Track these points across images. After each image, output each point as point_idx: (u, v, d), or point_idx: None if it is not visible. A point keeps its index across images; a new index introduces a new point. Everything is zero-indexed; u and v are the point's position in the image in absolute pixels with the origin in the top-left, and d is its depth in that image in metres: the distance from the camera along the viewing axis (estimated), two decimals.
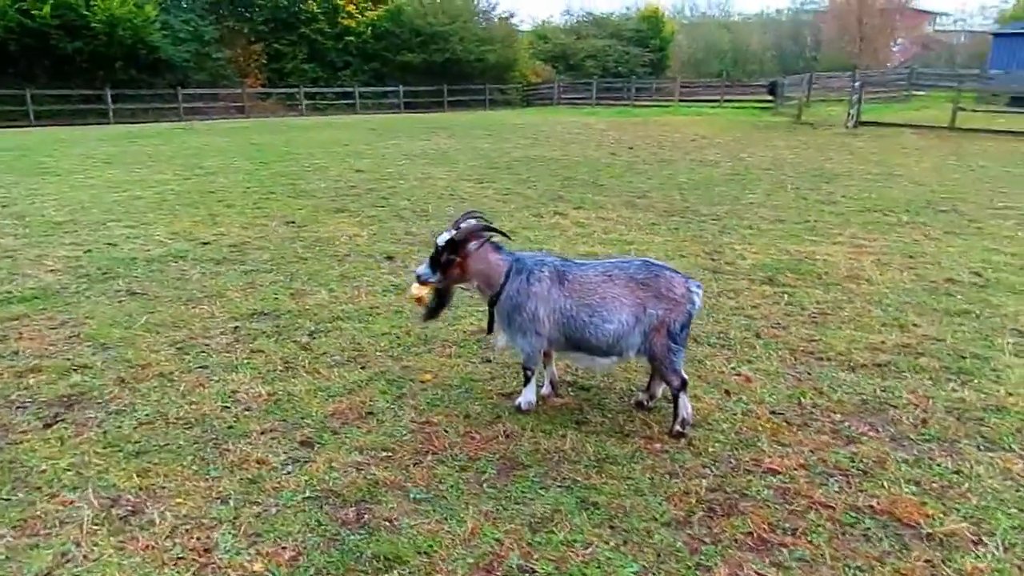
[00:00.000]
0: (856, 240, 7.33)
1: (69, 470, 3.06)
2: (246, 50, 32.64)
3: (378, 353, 4.32)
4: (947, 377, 4.02)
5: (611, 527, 2.69)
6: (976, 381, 3.96)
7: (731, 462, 3.13)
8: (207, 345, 4.46)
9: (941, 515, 2.75)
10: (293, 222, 7.94)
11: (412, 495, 2.89)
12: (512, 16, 41.34)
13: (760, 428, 3.44)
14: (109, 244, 6.90)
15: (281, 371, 4.09)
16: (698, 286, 3.35)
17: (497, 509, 2.79)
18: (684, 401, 3.34)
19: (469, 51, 35.25)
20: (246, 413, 3.58)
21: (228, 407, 3.65)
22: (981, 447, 3.27)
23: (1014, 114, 25.07)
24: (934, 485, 2.96)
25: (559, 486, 2.95)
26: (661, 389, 3.61)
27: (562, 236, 7.34)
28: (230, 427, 3.44)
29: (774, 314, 5.06)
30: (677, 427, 3.34)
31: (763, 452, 3.21)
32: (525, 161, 13.46)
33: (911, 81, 32.91)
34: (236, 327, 4.75)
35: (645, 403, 3.64)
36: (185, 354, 4.32)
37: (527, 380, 3.57)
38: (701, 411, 3.56)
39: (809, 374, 4.07)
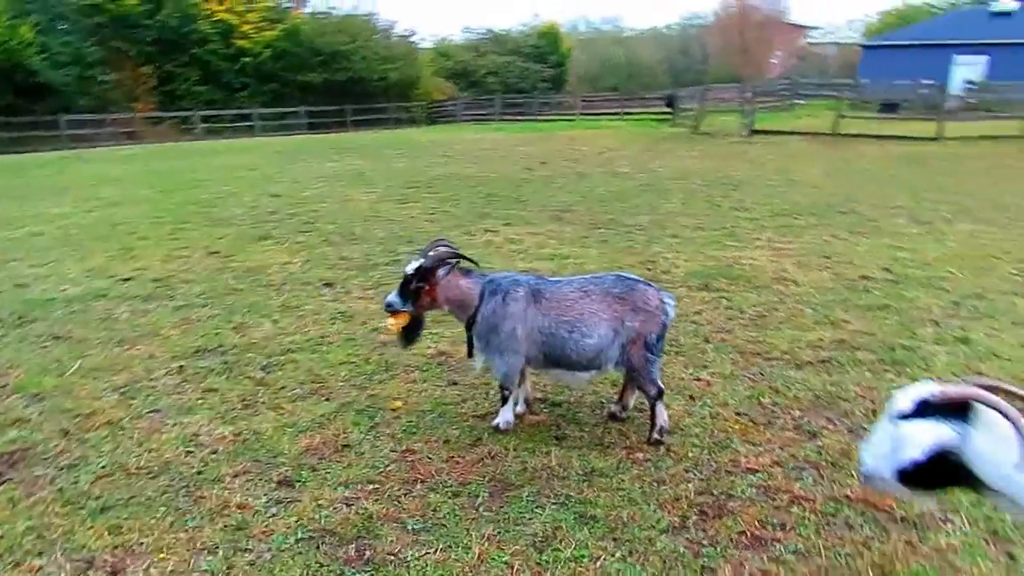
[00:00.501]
0: (774, 244, 7.75)
1: (29, 534, 2.85)
2: (134, 73, 31.11)
3: (340, 383, 4.23)
4: (884, 368, 4.33)
5: (613, 539, 2.74)
6: (910, 370, 4.28)
7: (711, 465, 3.26)
8: (153, 388, 4.24)
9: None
10: (217, 252, 7.63)
11: (410, 526, 2.85)
12: (413, 34, 41.23)
13: (730, 430, 3.59)
14: (18, 286, 6.43)
15: (240, 409, 3.93)
16: (671, 298, 3.48)
17: (499, 532, 2.79)
18: (660, 409, 3.46)
19: (371, 70, 34.95)
20: (213, 456, 3.43)
21: (192, 451, 3.48)
22: None
23: (884, 119, 27.19)
24: None
25: (554, 503, 2.98)
26: (633, 399, 3.71)
27: (497, 253, 7.39)
28: (199, 472, 3.29)
29: (717, 319, 5.29)
30: (655, 435, 3.45)
31: (738, 452, 3.36)
32: (443, 179, 13.46)
33: (794, 91, 35.05)
34: (181, 366, 4.53)
35: (618, 414, 3.73)
36: (131, 399, 4.09)
37: (504, 400, 3.60)
38: (672, 417, 3.67)
39: (762, 374, 4.28)
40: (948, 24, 37.16)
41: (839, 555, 2.63)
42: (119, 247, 7.96)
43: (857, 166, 15.16)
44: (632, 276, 3.53)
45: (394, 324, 3.46)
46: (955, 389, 1.83)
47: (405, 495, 3.06)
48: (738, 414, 3.76)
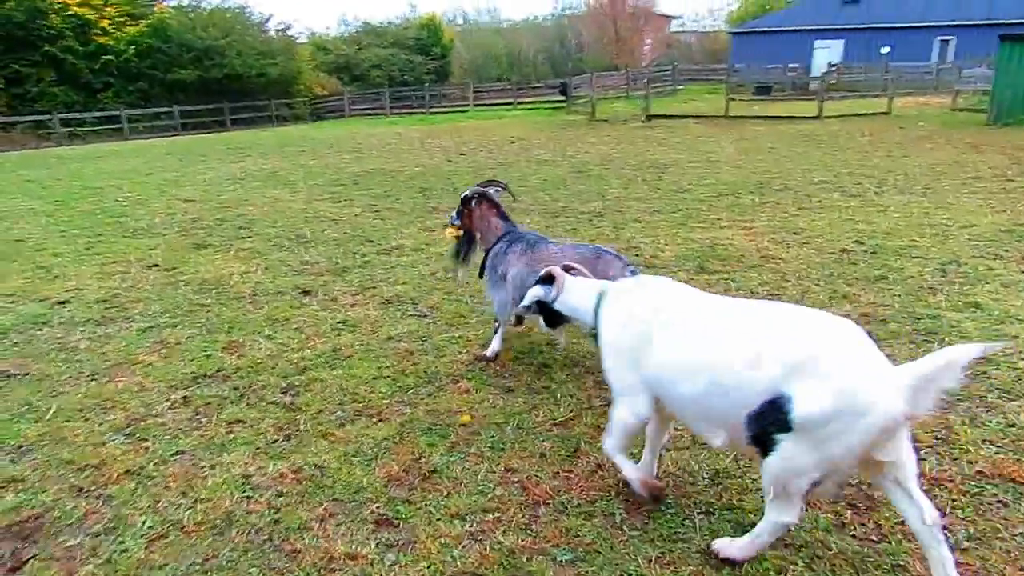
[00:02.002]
0: (738, 223, 7.84)
1: None
2: None
3: (384, 401, 3.80)
4: (923, 339, 4.38)
5: (784, 545, 2.54)
6: (948, 339, 4.35)
7: None
8: (163, 425, 3.64)
9: None
10: (156, 265, 6.82)
11: (559, 557, 2.53)
12: (289, 28, 39.39)
13: None
14: None
15: (283, 441, 3.43)
16: (633, 271, 3.67)
17: (662, 553, 2.53)
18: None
19: (249, 66, 33.11)
20: (281, 500, 2.95)
21: (251, 496, 2.98)
22: (1004, 397, 3.58)
23: (761, 101, 28.70)
24: (1013, 442, 3.18)
25: (698, 512, 2.75)
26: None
27: None
28: (275, 521, 2.81)
29: None
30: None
31: None
32: (368, 175, 12.85)
33: (675, 77, 36.36)
34: (185, 397, 3.93)
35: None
36: (142, 440, 3.48)
37: (496, 331, 4.28)
38: None
39: None
40: (806, 11, 39.68)
41: (1017, 535, 2.55)
42: (33, 266, 6.96)
43: (762, 145, 15.80)
44: (608, 249, 3.93)
45: (451, 233, 4.47)
46: (546, 269, 3.12)
47: (533, 521, 2.74)
48: None
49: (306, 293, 5.77)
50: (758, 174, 11.51)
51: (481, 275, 4.32)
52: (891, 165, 12.25)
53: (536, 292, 3.04)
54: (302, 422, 3.58)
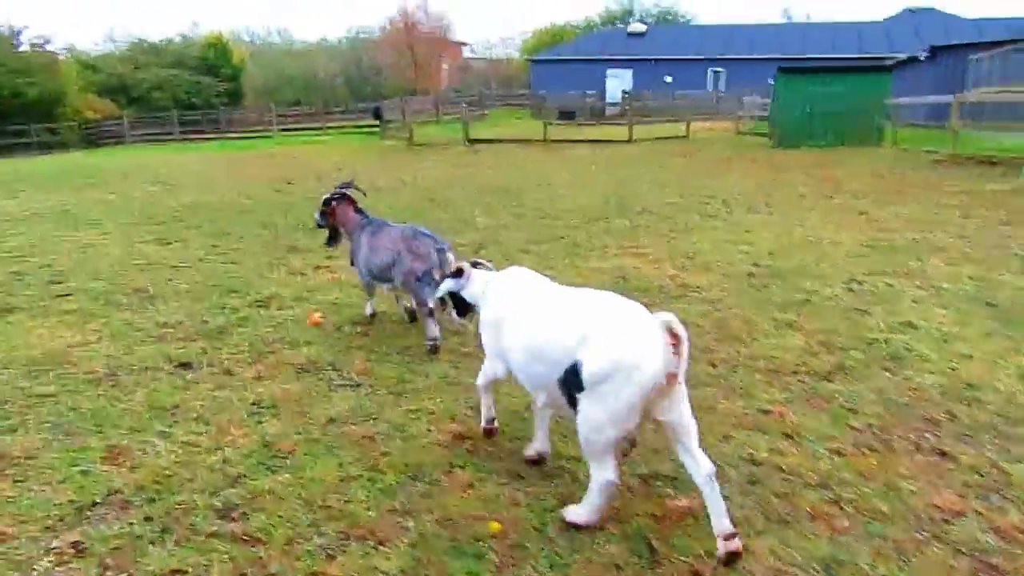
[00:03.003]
0: (628, 250, 7.68)
1: None
2: None
3: (370, 512, 2.93)
4: (893, 365, 4.33)
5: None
6: (913, 364, 4.35)
7: (916, 519, 2.83)
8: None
9: None
10: None
11: None
12: (47, 43, 34.48)
13: (881, 468, 3.20)
14: None
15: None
16: (441, 248, 4.67)
17: None
18: (430, 322, 4.66)
19: (1, 85, 28.46)
20: None
21: None
22: None
23: (572, 125, 29.92)
24: None
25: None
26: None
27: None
28: None
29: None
30: (428, 342, 4.67)
31: (929, 494, 2.98)
32: (189, 211, 11.22)
33: (482, 102, 36.89)
34: (76, 544, 2.76)
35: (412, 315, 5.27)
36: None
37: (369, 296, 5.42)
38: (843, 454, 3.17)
39: (820, 395, 3.99)
40: (599, 41, 42.36)
41: None
42: None
43: (591, 169, 16.20)
44: (423, 229, 4.85)
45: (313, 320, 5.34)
46: (455, 263, 3.73)
47: None
48: (845, 450, 3.39)
49: (185, 366, 4.59)
50: (610, 197, 11.63)
51: (352, 263, 5.27)
52: (721, 185, 12.99)
53: (448, 284, 3.54)
54: (273, 562, 2.63)
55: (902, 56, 29.52)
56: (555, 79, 40.12)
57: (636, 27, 43.68)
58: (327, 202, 5.32)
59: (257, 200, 12.11)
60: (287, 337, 5.08)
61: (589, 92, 37.53)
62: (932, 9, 42.44)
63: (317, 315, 5.41)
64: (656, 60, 39.59)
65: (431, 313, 4.63)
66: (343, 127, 31.63)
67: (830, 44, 38.19)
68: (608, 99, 39.27)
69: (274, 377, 4.33)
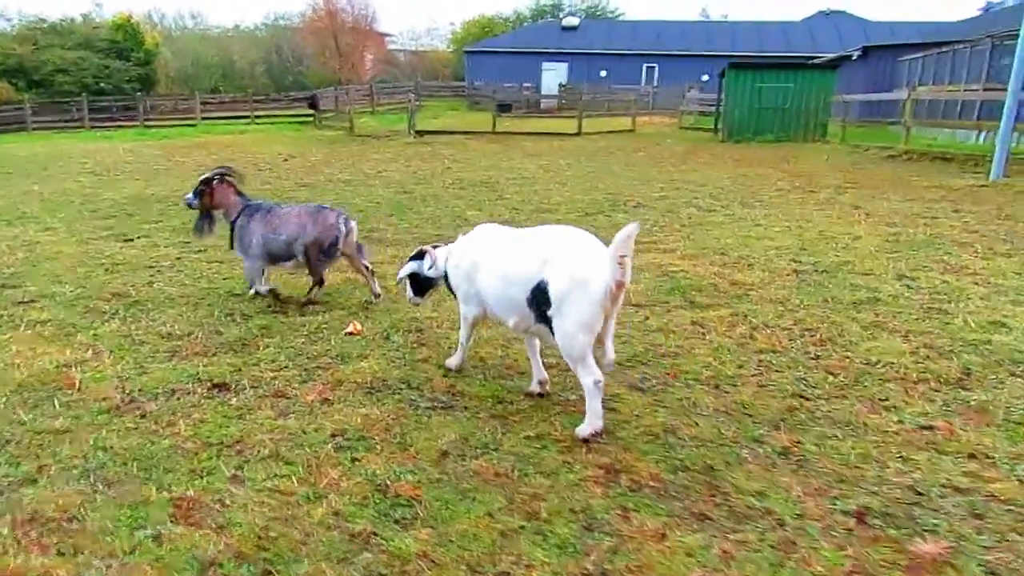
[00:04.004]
0: (650, 246, 7.26)
1: None
2: None
3: None
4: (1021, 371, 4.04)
5: None
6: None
7: None
8: None
9: None
10: None
11: None
12: None
13: None
14: None
15: None
16: (346, 220, 4.97)
17: None
18: (318, 290, 5.11)
19: None
20: None
21: None
22: None
23: (512, 117, 29.44)
24: None
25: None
26: (375, 286, 5.21)
27: (385, 307, 5.47)
28: None
29: (751, 347, 4.50)
30: (309, 296, 5.11)
31: None
32: (137, 204, 10.09)
33: (418, 93, 35.88)
34: None
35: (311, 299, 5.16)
36: None
37: (251, 286, 5.30)
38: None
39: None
40: (533, 34, 42.02)
41: None
42: None
43: (557, 162, 15.78)
44: (326, 206, 5.04)
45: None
46: (417, 249, 4.02)
47: None
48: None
49: (221, 388, 3.82)
50: (596, 191, 11.22)
51: (231, 246, 5.18)
52: (698, 178, 12.80)
53: (411, 266, 3.93)
54: None
55: (831, 55, 30.49)
56: (491, 71, 39.55)
57: (569, 21, 43.58)
58: (207, 181, 5.14)
59: None
60: (331, 349, 4.35)
61: (526, 84, 37.16)
62: (843, 12, 44.24)
63: (357, 323, 4.70)
64: (591, 54, 39.58)
65: (321, 283, 5.09)
66: (274, 116, 30.04)
67: (756, 42, 39.18)
68: (544, 91, 39.02)
69: (343, 400, 3.63)
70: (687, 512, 2.67)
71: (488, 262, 3.49)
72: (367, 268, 5.20)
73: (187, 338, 4.59)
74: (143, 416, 3.47)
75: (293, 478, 2.89)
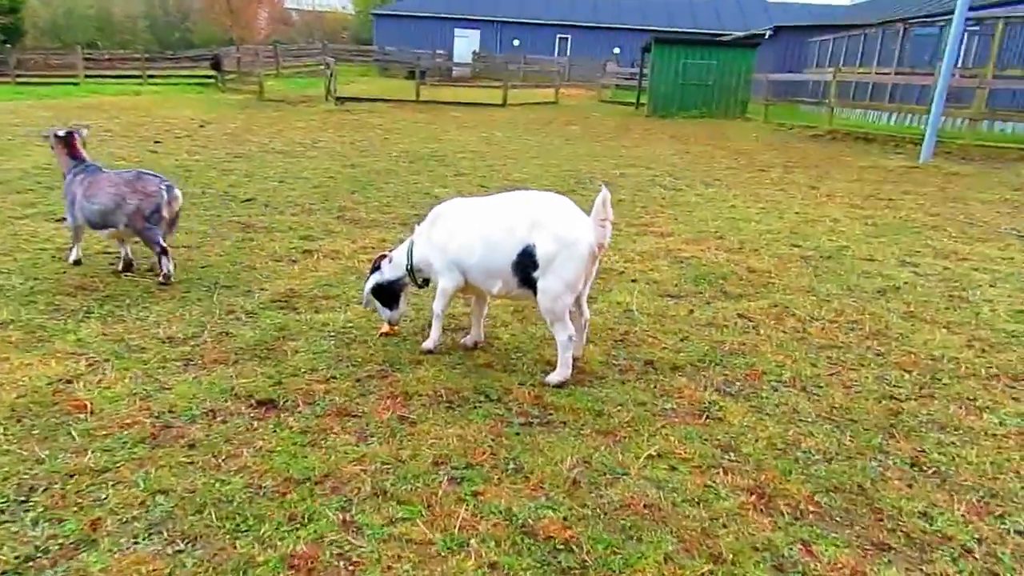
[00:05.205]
0: (644, 228, 7.08)
1: None
2: None
3: None
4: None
5: None
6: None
7: None
8: None
9: None
10: None
11: None
12: None
13: None
14: None
15: None
16: (169, 187, 4.81)
17: None
18: (164, 261, 4.80)
19: None
20: None
21: None
22: None
23: (437, 85, 28.50)
24: None
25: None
26: (166, 266, 4.84)
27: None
28: None
29: (855, 338, 4.42)
30: (161, 279, 4.81)
31: None
32: (44, 175, 8.90)
33: (324, 56, 34.15)
34: None
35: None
36: None
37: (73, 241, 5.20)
38: None
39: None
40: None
41: None
42: None
43: (498, 135, 15.38)
44: (147, 171, 4.92)
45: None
46: (375, 259, 4.02)
47: None
48: None
49: (268, 405, 3.30)
50: (553, 167, 10.95)
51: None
52: (645, 155, 12.79)
53: (373, 279, 3.87)
54: None
55: (740, 33, 31.33)
56: (402, 35, 38.21)
57: None
58: (55, 136, 5.06)
59: (145, 164, 9.91)
60: (373, 354, 3.88)
61: (439, 51, 36.13)
62: None
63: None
64: (504, 22, 38.93)
65: (164, 252, 4.79)
66: (169, 77, 27.76)
67: (666, 17, 39.77)
68: (456, 59, 38.12)
69: (424, 418, 3.20)
70: (866, 542, 2.48)
71: (465, 231, 3.54)
72: (164, 245, 4.88)
73: (194, 342, 3.98)
74: (191, 446, 2.92)
75: (418, 522, 2.48)
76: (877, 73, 18.85)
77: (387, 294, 3.91)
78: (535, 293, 3.40)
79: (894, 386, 3.72)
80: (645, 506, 2.61)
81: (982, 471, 2.92)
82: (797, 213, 8.01)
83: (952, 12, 12.30)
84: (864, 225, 7.46)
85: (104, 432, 3.00)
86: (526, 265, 3.35)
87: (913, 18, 18.00)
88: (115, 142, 11.89)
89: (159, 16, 52.10)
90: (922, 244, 6.72)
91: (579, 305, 3.54)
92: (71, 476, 2.69)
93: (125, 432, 3.01)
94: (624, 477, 2.80)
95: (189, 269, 5.29)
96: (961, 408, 3.49)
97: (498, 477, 2.76)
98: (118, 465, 2.77)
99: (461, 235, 3.55)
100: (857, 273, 5.71)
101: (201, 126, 14.83)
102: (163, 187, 4.78)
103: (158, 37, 51.71)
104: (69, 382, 3.43)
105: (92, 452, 2.84)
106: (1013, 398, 3.62)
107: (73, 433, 2.98)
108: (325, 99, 21.38)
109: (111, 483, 2.66)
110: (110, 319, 4.28)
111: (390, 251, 3.98)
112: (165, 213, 4.80)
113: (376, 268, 3.91)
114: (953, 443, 3.15)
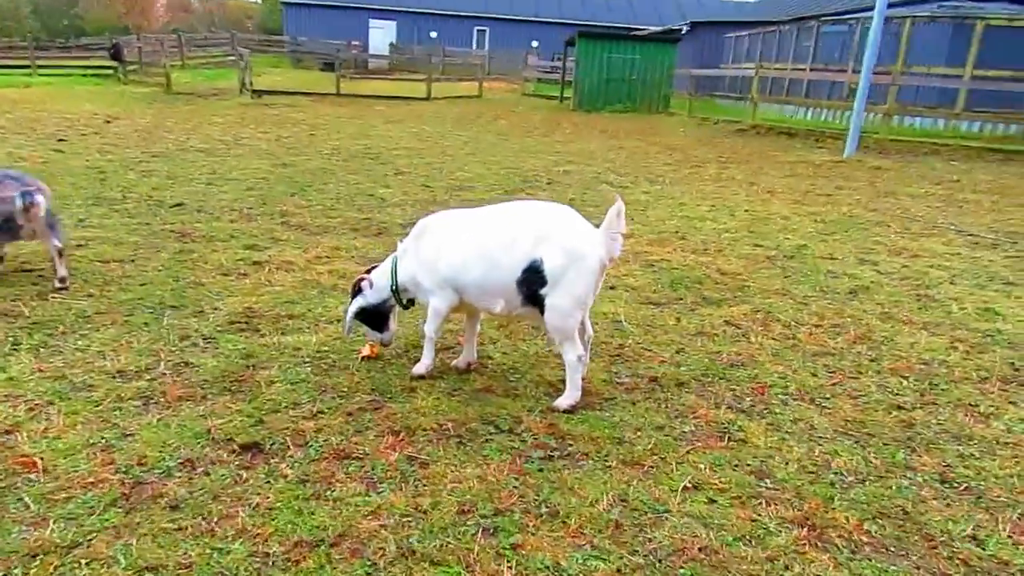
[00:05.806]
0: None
1: None
2: None
3: None
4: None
5: None
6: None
7: None
8: None
9: None
10: None
11: None
12: None
13: None
14: None
15: None
16: (26, 194, 4.34)
17: None
18: (59, 263, 4.54)
19: None
20: None
21: None
22: None
23: (360, 79, 27.67)
24: None
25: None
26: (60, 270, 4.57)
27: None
28: None
29: (833, 344, 4.38)
30: (57, 283, 4.54)
31: None
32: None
33: (234, 46, 32.63)
34: None
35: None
36: None
37: None
38: None
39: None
40: None
41: None
42: None
43: (427, 130, 15.00)
44: (10, 172, 4.54)
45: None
46: (354, 282, 3.67)
47: None
48: None
49: (253, 450, 2.92)
50: (495, 165, 10.71)
51: None
52: (580, 151, 12.73)
53: (357, 303, 3.58)
54: None
55: (656, 29, 31.86)
56: (312, 26, 36.92)
57: None
58: None
59: (51, 165, 9.04)
60: (359, 382, 3.54)
61: (354, 42, 35.14)
62: None
63: (370, 343, 3.87)
64: (421, 13, 38.24)
65: (61, 253, 4.58)
66: (62, 68, 25.80)
67: (584, 10, 40.03)
68: (372, 51, 37.18)
69: (434, 457, 2.90)
70: (927, 573, 2.37)
71: (457, 246, 3.28)
72: (58, 250, 4.57)
73: (150, 375, 3.53)
74: (174, 507, 2.52)
75: None
76: (793, 69, 19.48)
77: (374, 317, 3.62)
78: (542, 312, 3.15)
79: (897, 394, 3.68)
80: (699, 549, 2.42)
81: (1011, 486, 2.88)
82: (747, 211, 8.06)
83: (861, 10, 12.76)
84: (814, 222, 7.57)
85: (64, 495, 2.57)
86: (532, 282, 3.10)
87: (824, 15, 18.68)
88: (11, 140, 10.82)
89: (45, 1, 48.52)
90: (873, 241, 6.85)
91: (582, 322, 3.30)
92: (33, 557, 2.26)
93: (90, 493, 2.58)
94: (666, 515, 2.60)
95: (127, 287, 4.76)
96: (967, 416, 3.47)
97: (533, 524, 2.50)
98: (89, 538, 2.36)
99: (453, 250, 3.28)
100: (823, 273, 5.73)
101: (107, 122, 13.78)
102: (19, 194, 4.34)
103: (44, 24, 48.26)
104: (8, 433, 2.95)
105: (54, 523, 2.41)
106: (1010, 402, 3.64)
107: (26, 499, 2.53)
108: (240, 92, 20.34)
109: (84, 562, 2.25)
110: (43, 351, 3.76)
111: (367, 272, 3.66)
112: (21, 222, 4.39)
113: (358, 291, 3.61)
114: (973, 455, 3.11)
